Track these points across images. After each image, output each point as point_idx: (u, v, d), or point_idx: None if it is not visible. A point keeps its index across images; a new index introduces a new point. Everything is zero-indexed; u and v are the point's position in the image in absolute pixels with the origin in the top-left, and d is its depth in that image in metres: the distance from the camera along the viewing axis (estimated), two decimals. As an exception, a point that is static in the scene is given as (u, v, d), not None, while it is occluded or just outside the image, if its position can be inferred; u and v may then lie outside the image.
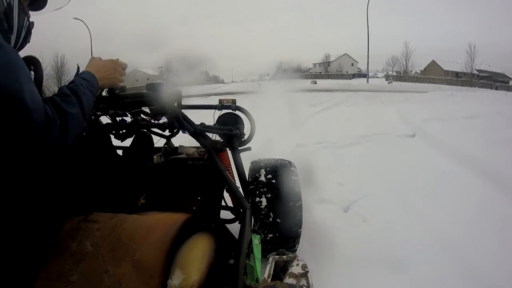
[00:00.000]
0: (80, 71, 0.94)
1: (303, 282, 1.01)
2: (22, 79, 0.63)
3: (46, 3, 0.87)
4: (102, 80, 0.94)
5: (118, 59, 1.03)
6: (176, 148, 1.63)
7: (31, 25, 0.83)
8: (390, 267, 1.48)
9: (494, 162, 2.73)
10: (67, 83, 0.87)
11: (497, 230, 1.79)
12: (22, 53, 0.84)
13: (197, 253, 0.75)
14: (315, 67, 48.35)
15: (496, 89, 24.99)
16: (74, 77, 0.90)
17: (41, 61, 1.08)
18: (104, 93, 1.15)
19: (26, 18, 0.80)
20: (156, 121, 1.40)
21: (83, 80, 0.87)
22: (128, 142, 1.55)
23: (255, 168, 1.58)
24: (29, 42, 0.84)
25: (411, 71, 40.11)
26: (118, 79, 1.01)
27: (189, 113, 1.30)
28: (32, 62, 1.00)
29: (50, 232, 0.76)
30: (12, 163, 0.67)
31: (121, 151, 1.55)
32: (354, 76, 40.43)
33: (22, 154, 0.68)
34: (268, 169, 1.56)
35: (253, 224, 1.47)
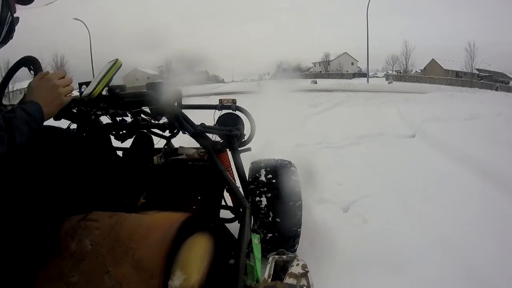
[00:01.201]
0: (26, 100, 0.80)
1: (303, 282, 1.01)
2: None
3: None
4: (47, 108, 0.80)
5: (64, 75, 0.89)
6: (176, 149, 1.63)
7: (15, 20, 0.78)
8: (390, 267, 1.48)
9: (494, 162, 2.73)
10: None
11: (497, 231, 1.78)
12: (7, 49, 0.82)
13: (197, 253, 0.75)
14: (315, 66, 48.35)
15: (496, 89, 24.98)
16: (18, 103, 0.79)
17: (40, 61, 1.08)
18: (104, 92, 1.15)
19: (9, 12, 0.76)
20: (156, 122, 1.40)
21: (24, 113, 0.73)
22: (128, 143, 1.55)
23: (255, 168, 1.58)
24: (11, 38, 0.79)
25: (411, 71, 40.10)
26: (62, 95, 0.86)
27: (189, 114, 1.30)
28: (32, 62, 1.00)
29: (50, 231, 0.76)
30: None
31: (121, 152, 1.55)
32: (354, 75, 40.44)
33: None
34: (268, 169, 1.56)
35: (253, 223, 1.47)
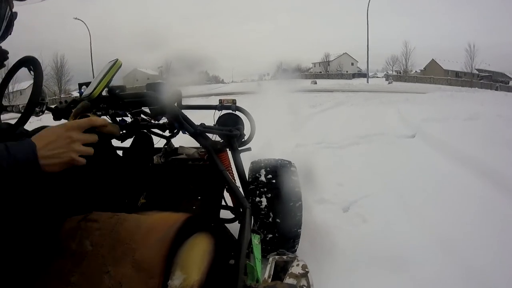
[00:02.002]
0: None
1: (303, 282, 1.01)
2: None
3: None
4: (46, 160, 0.64)
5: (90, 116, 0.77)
6: (176, 149, 1.63)
7: (13, 15, 0.77)
8: (390, 268, 1.48)
9: (494, 163, 2.73)
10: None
11: (497, 231, 1.78)
12: (7, 49, 0.81)
13: (198, 253, 0.75)
14: (315, 66, 48.35)
15: (496, 89, 24.99)
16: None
17: (40, 61, 1.07)
18: (104, 93, 1.15)
19: (8, 8, 0.74)
20: (156, 122, 1.40)
21: (9, 155, 0.60)
22: (128, 143, 1.55)
23: (255, 168, 1.58)
24: (10, 34, 0.77)
25: (411, 71, 40.11)
26: (74, 154, 0.69)
27: (189, 114, 1.30)
28: (32, 63, 1.00)
29: (50, 232, 0.76)
30: None
31: (121, 152, 1.55)
32: (354, 76, 40.47)
33: None
34: (268, 169, 1.56)
35: (253, 224, 1.47)
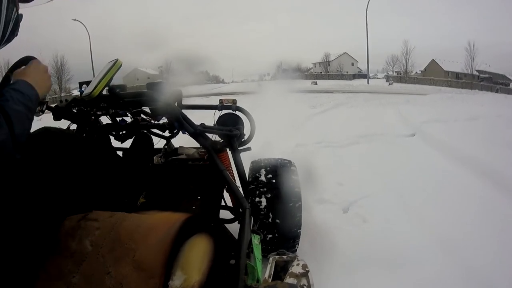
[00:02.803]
0: (14, 80, 0.76)
1: (303, 281, 1.01)
2: None
3: None
4: (39, 87, 0.75)
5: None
6: (176, 149, 1.63)
7: (19, 17, 0.77)
8: (390, 268, 1.48)
9: (494, 163, 2.73)
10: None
11: (497, 231, 1.78)
12: (11, 47, 0.81)
13: (198, 253, 0.75)
14: (315, 66, 48.29)
15: (497, 91, 24.99)
16: (6, 87, 0.71)
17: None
18: (104, 92, 1.15)
19: (15, 9, 0.74)
20: (156, 122, 1.40)
21: (16, 93, 0.68)
22: (128, 144, 1.55)
23: (255, 168, 1.58)
24: (16, 35, 0.78)
25: (412, 72, 40.09)
26: (49, 78, 0.85)
27: (189, 114, 1.30)
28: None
29: (50, 231, 0.76)
30: None
31: (121, 152, 1.55)
32: (354, 76, 40.42)
33: None
34: (268, 168, 1.56)
35: (253, 224, 1.47)
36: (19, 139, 0.62)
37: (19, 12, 0.77)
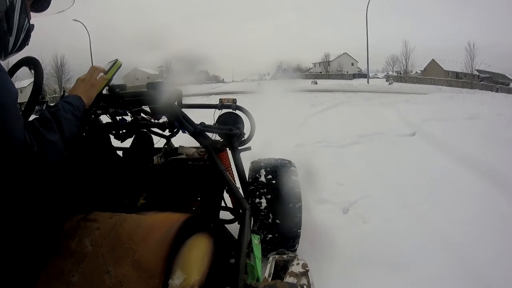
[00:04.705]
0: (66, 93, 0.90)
1: (303, 281, 1.01)
2: (9, 111, 0.63)
3: (49, 4, 0.85)
4: (87, 99, 0.92)
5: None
6: (176, 148, 1.63)
7: (31, 27, 0.80)
8: (390, 267, 1.48)
9: (494, 162, 2.73)
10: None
11: (497, 230, 1.78)
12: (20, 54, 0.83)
13: (198, 253, 0.75)
14: (315, 66, 48.26)
15: (497, 91, 24.97)
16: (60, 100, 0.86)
17: (40, 61, 1.08)
18: (104, 91, 1.15)
19: (27, 19, 0.77)
20: (156, 121, 1.40)
21: (67, 104, 0.82)
22: (128, 143, 1.55)
23: (255, 168, 1.58)
24: (27, 45, 0.81)
25: (411, 71, 40.07)
26: (94, 80, 0.98)
27: (189, 113, 1.30)
28: (32, 63, 1.01)
29: (50, 231, 0.76)
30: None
31: (121, 152, 1.55)
32: (354, 76, 40.42)
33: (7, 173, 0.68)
34: (268, 169, 1.56)
35: (252, 224, 1.47)
36: (68, 140, 0.76)
37: (31, 22, 0.80)
